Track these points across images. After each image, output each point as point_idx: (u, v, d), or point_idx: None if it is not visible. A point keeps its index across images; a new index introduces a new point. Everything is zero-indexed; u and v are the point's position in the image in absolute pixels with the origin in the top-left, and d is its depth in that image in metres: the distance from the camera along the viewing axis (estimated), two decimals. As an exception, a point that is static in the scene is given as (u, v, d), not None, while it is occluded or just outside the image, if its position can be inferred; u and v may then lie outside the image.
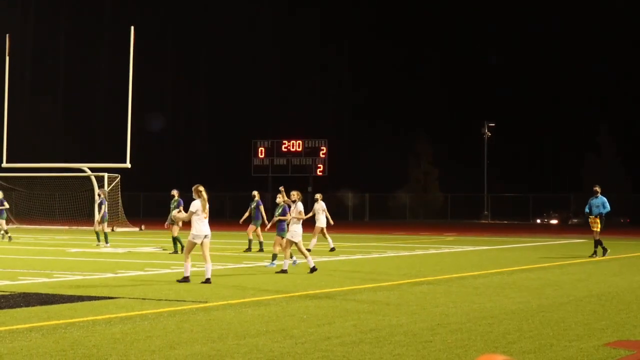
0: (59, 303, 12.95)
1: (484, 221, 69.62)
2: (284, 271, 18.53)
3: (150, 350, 9.14)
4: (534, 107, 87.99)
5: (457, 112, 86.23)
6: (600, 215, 25.01)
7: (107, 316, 11.59)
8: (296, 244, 18.65)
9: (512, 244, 33.64)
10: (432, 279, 17.49)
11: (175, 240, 24.98)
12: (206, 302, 13.33)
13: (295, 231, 18.76)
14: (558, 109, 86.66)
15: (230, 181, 79.05)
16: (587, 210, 25.40)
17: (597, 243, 25.23)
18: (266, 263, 20.75)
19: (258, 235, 26.14)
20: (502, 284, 16.74)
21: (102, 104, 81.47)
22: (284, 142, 69.38)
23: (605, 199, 25.14)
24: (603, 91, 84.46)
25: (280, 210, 20.11)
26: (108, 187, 45.24)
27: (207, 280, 16.08)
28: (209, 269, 16.26)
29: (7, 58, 44.59)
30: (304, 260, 19.12)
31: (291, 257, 19.86)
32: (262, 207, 26.01)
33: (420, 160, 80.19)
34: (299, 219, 18.97)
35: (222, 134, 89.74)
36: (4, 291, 14.47)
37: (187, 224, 17.70)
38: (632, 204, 68.28)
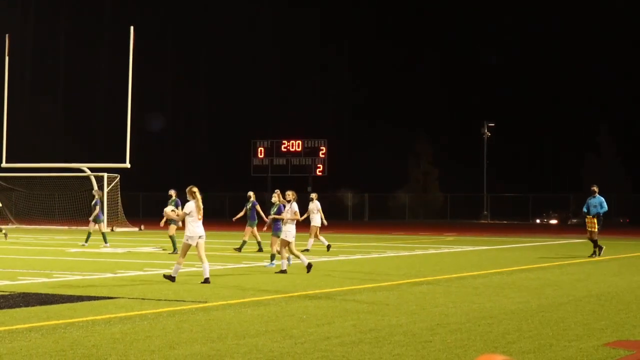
0: (58, 303, 12.96)
1: (483, 221, 69.59)
2: (283, 271, 18.53)
3: (149, 350, 9.14)
4: (534, 107, 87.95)
5: (457, 112, 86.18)
6: (597, 215, 25.02)
7: (106, 316, 11.59)
8: (289, 244, 18.68)
9: (512, 244, 33.65)
10: (432, 279, 17.49)
11: (172, 239, 24.98)
12: (206, 302, 13.33)
13: (289, 231, 18.78)
14: (558, 109, 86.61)
15: (230, 181, 79.03)
16: (585, 210, 25.41)
17: (593, 242, 25.24)
18: (265, 263, 20.76)
19: (255, 236, 26.13)
20: (501, 284, 16.74)
21: (102, 104, 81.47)
22: (283, 142, 69.37)
23: (603, 199, 25.15)
24: (603, 91, 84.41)
25: (275, 210, 20.12)
26: (108, 187, 45.26)
27: (206, 280, 16.08)
28: (206, 268, 16.26)
29: (7, 58, 44.60)
30: (298, 261, 19.11)
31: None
32: (258, 207, 25.99)
33: (420, 160, 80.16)
34: (293, 220, 18.97)
35: (222, 134, 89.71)
36: (3, 291, 14.47)
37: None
38: (632, 204, 68.26)
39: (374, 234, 43.11)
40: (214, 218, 59.81)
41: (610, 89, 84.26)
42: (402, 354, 9.06)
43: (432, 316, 11.89)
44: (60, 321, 11.09)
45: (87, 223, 30.30)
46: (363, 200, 76.26)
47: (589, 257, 24.90)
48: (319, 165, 68.12)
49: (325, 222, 27.24)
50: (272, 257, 20.20)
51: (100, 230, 29.34)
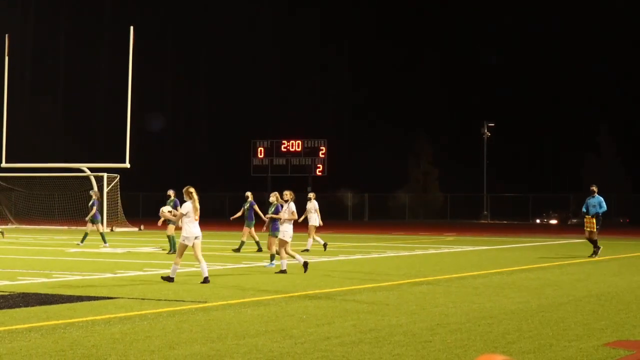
0: (58, 303, 12.95)
1: (483, 221, 69.60)
2: (283, 271, 18.52)
3: (149, 350, 9.13)
4: (534, 107, 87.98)
5: (457, 112, 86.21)
6: (597, 214, 25.02)
7: (106, 316, 11.58)
8: (281, 242, 18.69)
9: (512, 244, 33.64)
10: (432, 279, 17.48)
11: (170, 239, 24.96)
12: (205, 302, 13.32)
13: (286, 231, 18.78)
14: (558, 109, 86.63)
15: (229, 181, 79.03)
16: (584, 209, 25.42)
17: (593, 242, 25.24)
18: (265, 263, 20.75)
19: (253, 236, 26.11)
20: (501, 284, 16.73)
21: (102, 104, 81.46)
22: (283, 142, 69.38)
23: (602, 199, 25.15)
24: (603, 91, 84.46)
25: (272, 210, 20.14)
26: (107, 187, 45.26)
27: (206, 279, 16.08)
28: (204, 268, 16.27)
29: (7, 58, 44.60)
30: (294, 261, 19.09)
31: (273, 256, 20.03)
32: (256, 207, 25.96)
33: (420, 160, 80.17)
34: (290, 220, 18.96)
35: (222, 134, 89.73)
36: (3, 291, 14.47)
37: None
38: (632, 204, 68.28)
39: (374, 234, 43.10)
40: (213, 218, 59.81)
41: (610, 89, 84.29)
42: (402, 354, 9.05)
43: (432, 316, 11.89)
44: (60, 321, 11.08)
45: (85, 224, 30.28)
46: (363, 200, 76.27)
47: (588, 257, 24.90)
48: (318, 165, 68.12)
49: (320, 223, 27.24)
50: (272, 258, 20.20)
51: (98, 230, 29.29)
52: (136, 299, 13.60)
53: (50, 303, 12.93)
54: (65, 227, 45.56)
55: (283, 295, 14.28)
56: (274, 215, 19.95)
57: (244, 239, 25.94)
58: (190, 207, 16.41)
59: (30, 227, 45.79)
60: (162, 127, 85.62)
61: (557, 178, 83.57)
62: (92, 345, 9.43)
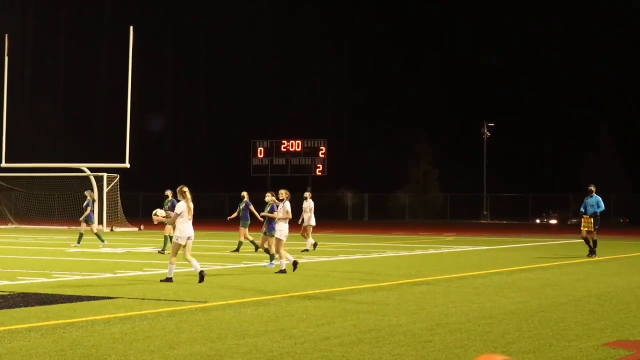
0: (58, 303, 12.95)
1: (483, 221, 69.60)
2: (282, 271, 18.53)
3: (149, 350, 9.14)
4: (534, 107, 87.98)
5: (457, 112, 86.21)
6: (595, 214, 25.03)
7: (106, 316, 11.58)
8: (279, 242, 18.72)
9: (512, 244, 33.64)
10: (432, 279, 17.48)
11: (166, 239, 24.95)
12: (205, 302, 13.33)
13: (281, 230, 18.78)
14: (558, 109, 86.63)
15: (229, 181, 79.04)
16: (582, 209, 25.43)
17: (593, 242, 25.25)
18: (265, 263, 20.74)
19: (246, 237, 26.09)
20: (501, 284, 16.74)
21: (102, 104, 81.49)
22: (283, 142, 69.38)
23: (600, 198, 25.16)
24: (603, 91, 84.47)
25: (268, 209, 20.14)
26: (107, 187, 45.28)
27: (201, 274, 16.05)
28: (195, 265, 16.26)
29: (7, 58, 44.61)
30: (291, 259, 19.09)
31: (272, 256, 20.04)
32: (252, 207, 25.92)
33: (420, 160, 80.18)
34: (285, 219, 18.95)
35: (221, 134, 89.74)
36: (3, 291, 14.47)
37: None
38: (631, 204, 68.28)
39: (374, 234, 43.11)
40: (213, 218, 59.79)
41: (610, 89, 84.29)
42: (402, 354, 9.06)
43: (432, 316, 11.89)
44: (60, 321, 11.09)
45: (80, 224, 30.24)
46: (363, 200, 76.27)
47: (587, 257, 24.89)
48: (318, 165, 68.13)
49: (314, 223, 27.24)
50: (272, 258, 20.20)
51: (92, 231, 29.20)
52: (136, 299, 13.60)
53: (50, 303, 12.93)
54: (65, 227, 45.54)
55: (283, 295, 14.28)
56: (269, 214, 19.96)
57: (242, 239, 25.93)
58: (184, 207, 16.43)
59: (30, 227, 45.78)
60: (162, 127, 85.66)
61: (557, 178, 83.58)
62: (92, 345, 9.43)
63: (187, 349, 9.26)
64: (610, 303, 13.67)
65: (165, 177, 72.19)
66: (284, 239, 18.80)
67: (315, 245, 26.66)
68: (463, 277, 18.28)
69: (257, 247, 25.87)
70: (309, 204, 26.96)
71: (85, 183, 45.95)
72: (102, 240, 28.56)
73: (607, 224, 55.85)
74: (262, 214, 20.37)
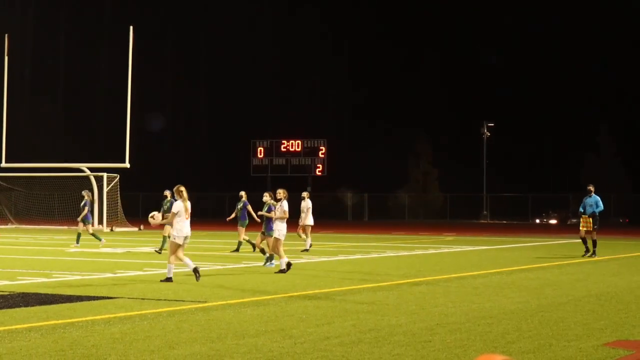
0: (58, 303, 12.95)
1: (483, 221, 69.61)
2: (282, 271, 18.53)
3: (149, 350, 9.14)
4: (534, 107, 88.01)
5: (457, 112, 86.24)
6: (593, 214, 25.03)
7: (106, 316, 11.59)
8: (278, 241, 18.74)
9: (511, 244, 33.65)
10: (432, 279, 17.49)
11: (164, 239, 24.95)
12: (205, 302, 13.33)
13: (280, 230, 18.80)
14: (558, 109, 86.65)
15: (229, 181, 79.04)
16: (581, 209, 25.45)
17: (593, 242, 25.27)
18: (285, 259, 20.71)
19: (246, 238, 26.09)
20: (501, 283, 16.74)
21: (102, 104, 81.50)
22: (282, 142, 69.40)
23: (598, 198, 25.17)
24: (603, 91, 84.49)
25: (265, 209, 20.14)
26: (107, 187, 45.28)
27: (196, 271, 16.04)
28: (189, 263, 16.28)
29: (7, 58, 44.62)
30: (285, 261, 19.09)
31: (269, 257, 20.03)
32: (249, 207, 25.89)
33: (420, 160, 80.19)
34: (282, 218, 18.96)
35: (221, 134, 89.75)
36: (3, 291, 14.47)
37: None
38: (631, 204, 68.28)
39: (374, 234, 43.11)
40: (213, 218, 59.79)
41: (610, 89, 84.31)
42: (402, 354, 9.06)
43: (431, 316, 11.89)
44: (60, 321, 11.09)
45: (78, 224, 30.21)
46: (363, 200, 76.27)
47: (588, 256, 24.89)
48: (318, 165, 68.14)
49: (312, 222, 27.21)
50: (270, 258, 20.21)
51: (87, 231, 29.19)
52: (136, 298, 13.61)
53: (50, 303, 12.94)
54: (65, 227, 45.53)
55: (283, 295, 14.28)
56: (266, 214, 19.96)
57: (241, 239, 25.94)
58: (181, 206, 16.47)
59: (30, 227, 45.78)
60: (162, 127, 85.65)
61: (556, 178, 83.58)
62: (92, 345, 9.43)
63: (187, 349, 9.27)
64: (610, 303, 13.67)
65: (165, 177, 72.19)
66: (282, 238, 18.82)
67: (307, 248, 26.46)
68: (463, 277, 18.29)
69: (254, 247, 25.84)
70: (306, 204, 26.93)
71: (85, 183, 45.95)
72: (100, 239, 28.56)
73: (607, 224, 55.85)
74: (260, 213, 20.38)
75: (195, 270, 16.08)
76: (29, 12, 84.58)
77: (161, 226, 25.45)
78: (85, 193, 29.76)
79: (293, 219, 20.88)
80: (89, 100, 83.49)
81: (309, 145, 68.79)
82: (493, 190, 73.54)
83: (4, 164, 45.08)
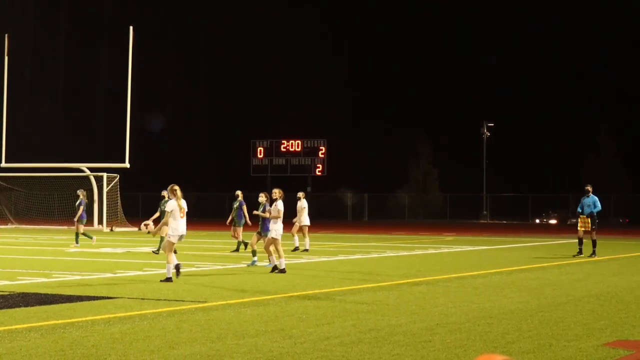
0: (58, 303, 12.95)
1: (483, 221, 69.60)
2: (282, 271, 18.54)
3: (149, 350, 9.14)
4: (534, 107, 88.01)
5: (457, 112, 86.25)
6: (592, 214, 25.04)
7: (106, 316, 11.59)
8: (274, 241, 18.75)
9: (511, 244, 33.65)
10: (431, 279, 17.49)
11: (162, 239, 24.92)
12: (205, 302, 13.33)
13: (276, 229, 18.80)
14: (558, 109, 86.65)
15: (229, 181, 79.03)
16: (579, 209, 25.47)
17: (593, 242, 25.29)
18: (265, 263, 20.74)
19: (237, 236, 26.09)
20: (501, 283, 16.74)
21: (102, 104, 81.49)
22: (282, 142, 69.40)
23: (596, 199, 25.18)
24: (603, 91, 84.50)
25: (261, 209, 20.17)
26: (107, 187, 45.27)
27: (177, 267, 16.22)
28: (173, 259, 16.46)
29: (7, 58, 44.63)
30: (265, 262, 19.08)
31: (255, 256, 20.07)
32: (245, 207, 25.85)
33: (420, 160, 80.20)
34: (276, 217, 18.96)
35: (221, 134, 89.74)
36: (3, 291, 14.47)
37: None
38: (631, 204, 68.29)
39: (374, 234, 43.11)
40: (213, 218, 59.79)
41: (610, 89, 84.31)
42: (402, 354, 9.06)
43: (431, 316, 11.89)
44: (60, 321, 11.09)
45: (86, 224, 30.23)
46: (363, 200, 76.27)
47: (588, 256, 24.90)
48: (318, 165, 68.15)
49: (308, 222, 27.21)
50: (254, 254, 20.24)
51: (79, 231, 29.16)
52: (136, 298, 13.61)
53: (50, 303, 12.94)
54: (65, 227, 45.53)
55: (283, 295, 14.28)
56: (261, 214, 19.98)
57: (240, 238, 25.93)
58: (174, 205, 16.56)
59: (30, 227, 45.78)
60: (162, 127, 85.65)
61: (556, 178, 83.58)
62: (92, 345, 9.43)
63: (187, 349, 9.27)
64: (610, 303, 13.67)
65: (165, 177, 72.05)
66: (279, 238, 18.83)
67: (296, 249, 26.35)
68: (463, 277, 18.29)
69: (246, 245, 25.80)
70: (301, 204, 26.88)
71: (85, 183, 45.96)
72: (91, 238, 28.56)
73: (607, 224, 55.87)
74: (255, 212, 20.39)
75: (177, 267, 16.15)
76: (29, 12, 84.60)
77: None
78: (80, 192, 29.76)
79: (287, 219, 20.82)
80: (89, 100, 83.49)
81: (309, 145, 68.80)
82: (493, 190, 73.54)
83: (4, 164, 45.08)
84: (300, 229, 26.81)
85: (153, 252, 25.20)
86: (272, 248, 19.50)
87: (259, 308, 12.64)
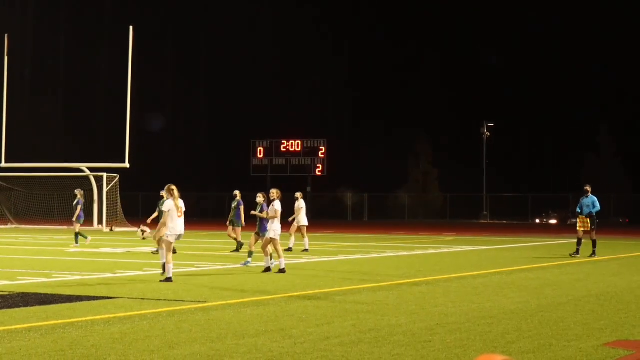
0: (57, 303, 12.95)
1: (483, 221, 69.61)
2: (282, 270, 18.53)
3: (149, 350, 9.13)
4: (534, 107, 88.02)
5: (457, 112, 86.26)
6: (590, 214, 25.04)
7: (105, 316, 11.58)
8: (273, 241, 18.75)
9: (511, 244, 33.64)
10: (431, 279, 17.48)
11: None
12: (205, 302, 13.33)
13: (274, 230, 18.80)
14: (558, 109, 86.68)
15: (229, 181, 79.02)
16: (578, 210, 25.47)
17: (593, 242, 25.28)
18: (275, 262, 20.72)
19: (229, 235, 26.06)
20: (501, 284, 16.74)
21: (102, 104, 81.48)
22: (282, 142, 69.40)
23: (595, 199, 25.18)
24: (603, 91, 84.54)
25: (258, 209, 20.17)
26: (107, 187, 45.26)
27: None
28: (163, 255, 16.43)
29: (7, 58, 44.62)
30: (262, 263, 19.08)
31: (249, 255, 20.03)
32: (242, 207, 25.83)
33: (420, 160, 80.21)
34: (273, 218, 18.94)
35: (221, 134, 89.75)
36: (2, 291, 14.47)
37: None
38: (631, 204, 68.29)
39: (374, 234, 43.10)
40: (213, 218, 59.79)
41: (610, 89, 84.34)
42: (402, 353, 9.05)
43: (431, 316, 11.89)
44: (60, 321, 11.08)
45: (85, 223, 30.21)
46: (363, 200, 76.27)
47: (588, 257, 24.89)
48: (318, 165, 68.15)
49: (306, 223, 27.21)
50: (270, 258, 20.21)
51: (74, 229, 29.16)
52: (136, 298, 13.60)
53: (50, 303, 12.93)
54: (65, 227, 45.52)
55: (283, 295, 14.28)
56: (258, 214, 19.98)
57: (239, 238, 25.93)
58: (171, 205, 16.62)
59: (30, 227, 45.77)
60: (162, 127, 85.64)
61: (557, 178, 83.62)
62: (92, 345, 9.43)
63: (187, 349, 9.26)
64: (610, 303, 13.67)
65: (165, 177, 72.01)
66: (278, 238, 18.83)
67: (289, 249, 26.31)
68: (463, 277, 18.28)
69: (240, 246, 25.80)
70: (299, 204, 26.86)
71: (85, 183, 45.96)
72: (86, 237, 28.57)
73: (607, 224, 55.88)
74: (252, 213, 20.39)
75: (164, 266, 16.33)
76: (29, 12, 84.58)
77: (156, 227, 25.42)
78: (77, 192, 29.77)
79: (284, 219, 20.83)
80: (89, 100, 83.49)
81: (309, 145, 68.80)
82: (493, 190, 73.54)
83: (4, 164, 45.07)
84: (299, 229, 26.80)
85: (152, 252, 25.19)
86: (270, 248, 19.51)
87: (259, 308, 12.63)
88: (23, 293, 14.24)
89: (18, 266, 20.01)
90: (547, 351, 9.31)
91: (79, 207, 28.88)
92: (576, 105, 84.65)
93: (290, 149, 69.13)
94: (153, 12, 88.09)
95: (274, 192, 19.38)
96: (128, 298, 13.66)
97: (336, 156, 73.66)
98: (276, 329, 10.57)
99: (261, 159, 69.92)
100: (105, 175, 45.07)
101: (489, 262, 23.24)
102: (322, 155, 68.16)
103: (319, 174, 68.35)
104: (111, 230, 42.88)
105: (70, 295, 13.87)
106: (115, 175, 45.77)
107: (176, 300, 13.42)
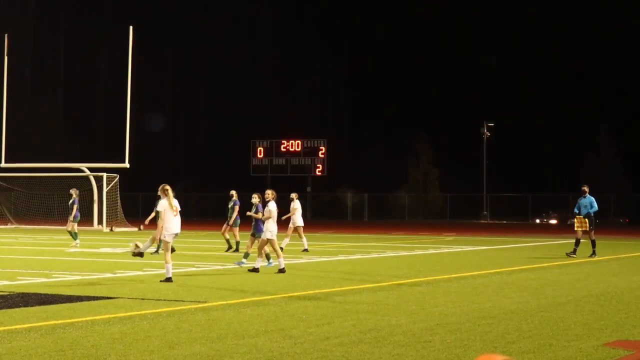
0: (57, 303, 12.94)
1: (483, 221, 69.61)
2: (282, 270, 18.53)
3: (149, 351, 9.13)
4: (534, 107, 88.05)
5: (457, 112, 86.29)
6: (589, 215, 25.03)
7: (106, 316, 11.58)
8: (269, 241, 18.75)
9: (511, 244, 33.64)
10: (432, 279, 17.48)
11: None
12: (205, 302, 13.32)
13: (271, 231, 18.80)
14: (558, 109, 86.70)
15: (229, 181, 79.00)
16: (576, 210, 25.47)
17: (592, 242, 25.28)
18: (264, 264, 20.72)
19: (224, 234, 26.03)
20: (501, 284, 16.73)
21: (102, 104, 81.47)
22: (282, 142, 69.41)
23: (593, 199, 25.18)
24: (603, 91, 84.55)
25: (253, 210, 20.18)
26: (107, 187, 45.26)
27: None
28: (147, 245, 16.51)
29: (7, 58, 44.63)
30: (259, 263, 19.05)
31: (253, 257, 20.03)
32: (237, 208, 25.79)
33: (420, 160, 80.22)
34: (268, 218, 18.94)
35: (221, 134, 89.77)
36: (2, 291, 14.46)
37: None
38: (631, 204, 68.30)
39: (374, 234, 43.10)
40: (213, 218, 59.78)
41: (610, 89, 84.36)
42: (402, 353, 9.05)
43: (431, 316, 11.88)
44: (60, 321, 11.08)
45: (85, 223, 30.22)
46: (363, 200, 76.29)
47: (588, 257, 24.89)
48: (318, 165, 68.17)
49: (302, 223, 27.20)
50: (268, 257, 20.22)
51: (67, 228, 29.14)
52: (136, 298, 13.60)
53: (50, 303, 12.93)
54: (65, 227, 45.53)
55: (283, 295, 14.27)
56: (253, 215, 19.98)
57: (238, 238, 25.94)
58: (165, 205, 16.70)
59: (30, 227, 45.77)
60: (162, 127, 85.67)
61: (556, 178, 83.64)
62: (92, 345, 9.43)
63: (187, 349, 9.26)
64: (610, 303, 13.67)
65: (165, 177, 72.02)
66: (274, 238, 18.82)
67: (280, 248, 26.31)
68: (463, 277, 18.28)
69: (229, 247, 25.82)
70: (294, 205, 26.86)
71: (85, 183, 45.98)
72: (75, 239, 28.63)
73: (607, 224, 55.89)
74: (248, 213, 20.40)
75: (141, 254, 16.63)
76: (29, 12, 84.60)
77: (155, 227, 25.43)
78: (73, 191, 29.78)
79: (279, 219, 20.83)
80: (89, 100, 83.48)
81: (309, 145, 68.81)
82: (493, 190, 73.55)
83: (4, 164, 45.07)
84: (295, 229, 26.80)
85: (151, 253, 25.19)
86: (268, 248, 19.51)
87: (259, 308, 12.63)
88: (23, 293, 14.24)
89: (18, 266, 20.00)
90: (547, 351, 9.31)
91: (75, 206, 28.88)
92: (576, 105, 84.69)
93: (290, 149, 69.13)
94: (153, 12, 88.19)
95: (269, 193, 19.40)
96: (128, 298, 13.66)
97: (336, 156, 73.67)
98: (276, 329, 10.57)
99: (261, 159, 69.94)
100: (105, 175, 45.07)
101: (489, 262, 23.24)
102: (322, 155, 68.17)
103: (319, 174, 68.36)
104: (111, 230, 42.88)
105: (70, 295, 13.87)
106: (115, 175, 45.77)
107: (176, 300, 13.42)
